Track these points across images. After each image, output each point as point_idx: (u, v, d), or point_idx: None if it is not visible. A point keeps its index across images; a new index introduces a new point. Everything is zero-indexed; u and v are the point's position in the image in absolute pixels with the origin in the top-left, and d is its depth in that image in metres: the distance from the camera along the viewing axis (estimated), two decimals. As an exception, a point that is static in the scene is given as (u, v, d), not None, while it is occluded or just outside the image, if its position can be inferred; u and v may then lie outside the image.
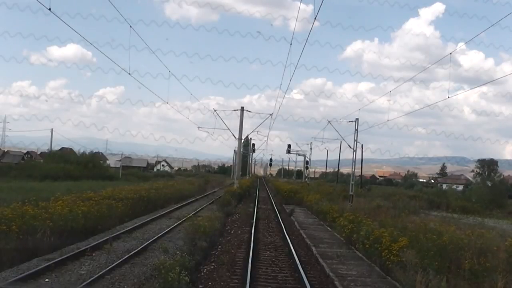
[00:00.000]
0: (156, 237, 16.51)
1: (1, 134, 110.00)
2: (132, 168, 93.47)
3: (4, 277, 10.06)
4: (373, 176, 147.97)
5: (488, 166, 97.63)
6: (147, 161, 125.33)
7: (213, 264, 12.80)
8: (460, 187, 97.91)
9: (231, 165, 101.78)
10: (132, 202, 22.87)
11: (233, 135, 42.13)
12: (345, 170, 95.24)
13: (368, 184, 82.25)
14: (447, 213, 36.06)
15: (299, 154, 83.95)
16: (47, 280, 10.22)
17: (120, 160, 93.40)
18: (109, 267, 11.38)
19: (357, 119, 33.54)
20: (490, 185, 67.76)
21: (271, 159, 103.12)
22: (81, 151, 73.12)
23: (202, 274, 11.58)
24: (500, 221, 34.19)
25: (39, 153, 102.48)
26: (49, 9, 13.14)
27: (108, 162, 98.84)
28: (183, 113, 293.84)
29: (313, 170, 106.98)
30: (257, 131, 64.29)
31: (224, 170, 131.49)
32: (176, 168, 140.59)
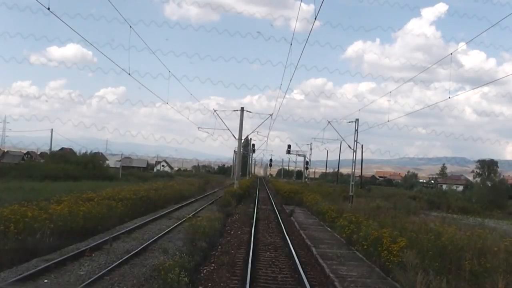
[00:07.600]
0: (155, 237, 16.47)
1: (1, 134, 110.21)
2: (132, 169, 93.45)
3: (3, 278, 10.03)
4: (373, 177, 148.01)
5: (488, 166, 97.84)
6: (147, 162, 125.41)
7: (213, 264, 12.76)
8: (460, 188, 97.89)
9: (231, 166, 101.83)
10: (132, 202, 22.85)
11: (233, 136, 42.24)
12: (345, 170, 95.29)
13: (368, 184, 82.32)
14: (447, 213, 36.01)
15: (299, 155, 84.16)
16: (46, 280, 10.19)
17: (120, 161, 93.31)
18: (109, 268, 11.35)
19: (357, 119, 33.41)
20: (490, 185, 67.71)
21: (271, 160, 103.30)
22: (81, 151, 73.20)
23: (202, 275, 11.55)
24: (500, 221, 34.19)
25: (39, 153, 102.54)
26: (49, 9, 13.15)
27: (108, 162, 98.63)
28: (183, 113, 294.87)
29: (313, 170, 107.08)
30: (257, 132, 64.66)
31: (224, 170, 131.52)
32: (176, 169, 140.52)
